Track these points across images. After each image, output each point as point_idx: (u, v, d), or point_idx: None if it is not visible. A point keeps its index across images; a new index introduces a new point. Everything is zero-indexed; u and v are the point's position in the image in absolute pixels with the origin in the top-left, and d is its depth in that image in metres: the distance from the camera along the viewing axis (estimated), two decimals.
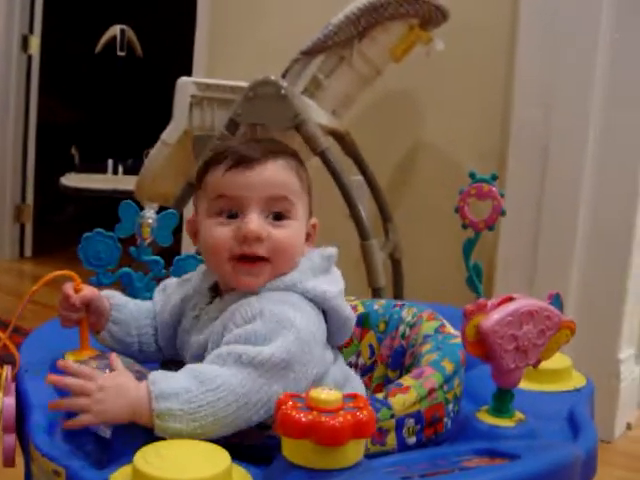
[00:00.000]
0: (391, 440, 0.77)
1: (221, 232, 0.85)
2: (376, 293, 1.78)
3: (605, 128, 1.82)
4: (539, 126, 1.90)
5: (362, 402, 0.67)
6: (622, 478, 1.67)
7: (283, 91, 1.75)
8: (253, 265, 0.85)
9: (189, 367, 0.78)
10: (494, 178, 1.18)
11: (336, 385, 0.84)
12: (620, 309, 1.84)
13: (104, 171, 3.39)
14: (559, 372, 0.99)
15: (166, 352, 0.96)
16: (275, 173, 0.87)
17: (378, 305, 1.00)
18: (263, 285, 0.85)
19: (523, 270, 1.90)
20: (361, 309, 1.01)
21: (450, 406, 0.82)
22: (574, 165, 1.85)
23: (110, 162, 3.40)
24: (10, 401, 0.81)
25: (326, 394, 0.66)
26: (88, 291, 0.93)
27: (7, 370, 0.84)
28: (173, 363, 0.93)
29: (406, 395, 0.78)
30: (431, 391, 0.80)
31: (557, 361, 0.99)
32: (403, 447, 0.77)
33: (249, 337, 0.78)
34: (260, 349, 0.77)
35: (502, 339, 0.76)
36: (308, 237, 0.91)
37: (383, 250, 1.96)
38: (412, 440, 0.78)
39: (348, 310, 0.89)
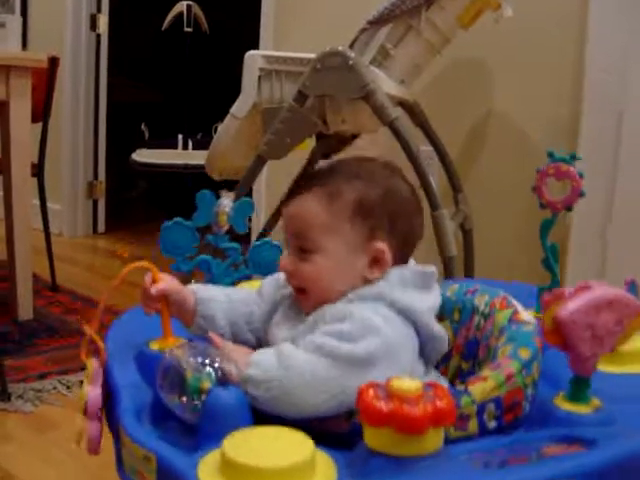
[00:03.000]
0: (473, 425, 0.77)
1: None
2: (447, 262, 1.78)
3: None
4: (613, 91, 1.85)
5: (442, 391, 0.67)
6: None
7: (351, 62, 1.74)
8: (297, 294, 0.92)
9: (279, 346, 0.83)
10: (573, 158, 1.15)
11: None
12: None
13: (174, 146, 3.43)
14: (638, 354, 0.97)
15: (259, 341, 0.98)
16: (297, 208, 0.90)
17: (450, 292, 0.99)
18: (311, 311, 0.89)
19: (595, 251, 1.86)
20: None
21: (529, 390, 0.82)
22: None
23: (180, 137, 3.44)
24: (96, 391, 0.84)
25: (407, 383, 0.67)
26: (166, 283, 0.95)
27: (94, 362, 0.87)
28: None
29: (485, 383, 0.79)
30: (509, 376, 0.80)
31: (636, 342, 0.97)
32: (484, 432, 0.77)
33: (335, 333, 0.80)
34: (341, 344, 0.79)
35: (579, 328, 0.75)
36: (376, 262, 0.89)
37: (454, 220, 1.95)
38: (493, 424, 0.78)
39: (437, 328, 0.89)
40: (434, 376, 0.93)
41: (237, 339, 0.96)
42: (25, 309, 2.31)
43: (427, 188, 1.78)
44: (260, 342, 0.97)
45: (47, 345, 2.13)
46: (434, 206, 1.79)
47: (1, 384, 1.73)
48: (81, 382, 0.88)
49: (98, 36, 3.33)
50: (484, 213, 2.19)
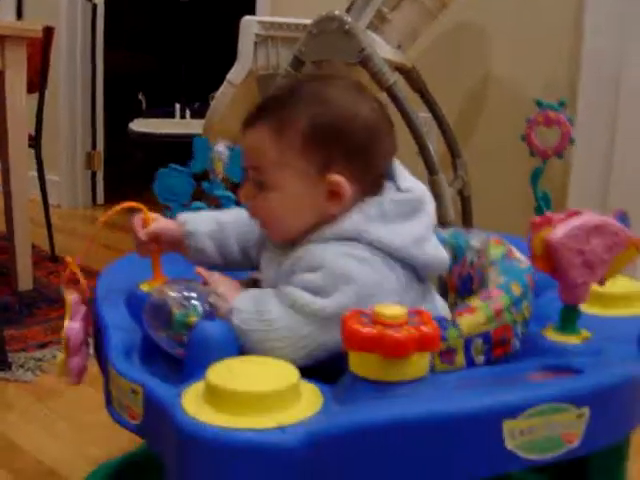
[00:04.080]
0: (460, 359, 0.78)
1: None
2: (445, 228, 1.77)
3: None
4: (611, 54, 1.84)
5: (427, 317, 0.68)
6: None
7: (347, 26, 1.73)
8: (260, 226, 0.91)
9: (258, 291, 0.83)
10: (561, 104, 1.15)
11: None
12: None
13: (171, 115, 3.42)
14: (630, 297, 0.97)
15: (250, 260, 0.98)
16: (249, 141, 0.87)
17: (446, 232, 0.99)
18: (278, 242, 0.89)
19: (595, 198, 1.86)
20: None
21: (518, 328, 0.82)
22: None
23: (177, 106, 3.43)
24: (75, 325, 0.85)
25: (391, 309, 0.67)
26: (157, 224, 0.95)
27: (73, 295, 0.87)
28: None
29: (474, 316, 0.79)
30: (498, 312, 0.80)
31: (627, 286, 0.97)
32: (471, 365, 0.78)
33: (308, 286, 0.80)
34: (314, 300, 0.78)
35: (569, 252, 0.75)
36: (333, 196, 0.85)
37: (452, 186, 1.95)
38: (480, 359, 0.79)
39: (429, 255, 0.85)
40: (432, 298, 0.91)
41: (228, 263, 0.97)
42: (25, 280, 2.31)
43: (425, 153, 1.77)
44: (251, 260, 0.97)
45: (47, 315, 2.13)
46: (432, 171, 1.78)
47: (2, 354, 1.73)
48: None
49: (94, 6, 3.31)
50: (483, 179, 2.18)
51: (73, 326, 0.85)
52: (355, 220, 0.83)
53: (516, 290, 0.83)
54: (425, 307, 0.85)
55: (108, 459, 1.15)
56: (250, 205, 0.89)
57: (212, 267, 0.93)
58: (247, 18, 1.93)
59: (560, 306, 0.90)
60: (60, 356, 0.85)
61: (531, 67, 2.10)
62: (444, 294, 0.97)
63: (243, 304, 0.81)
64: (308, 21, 1.79)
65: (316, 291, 0.79)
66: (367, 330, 0.65)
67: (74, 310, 0.86)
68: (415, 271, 0.86)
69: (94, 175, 3.46)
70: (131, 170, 3.69)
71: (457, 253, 0.97)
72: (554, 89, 2.01)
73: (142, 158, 3.72)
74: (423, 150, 1.77)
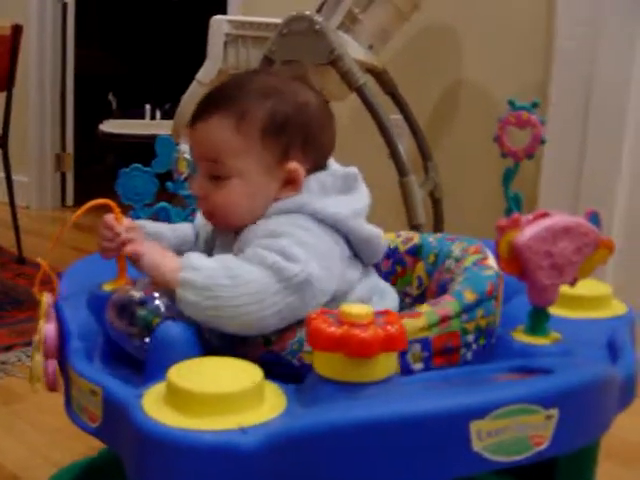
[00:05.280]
0: None
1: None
2: (415, 230, 1.77)
3: None
4: (582, 55, 1.85)
5: (393, 317, 0.66)
6: None
7: (318, 26, 1.72)
8: (206, 217, 0.91)
9: (220, 256, 0.81)
10: (534, 105, 1.16)
11: (360, 302, 0.84)
12: None
13: (142, 117, 3.40)
14: (598, 299, 0.96)
15: None
16: (205, 133, 0.86)
17: (433, 238, 0.99)
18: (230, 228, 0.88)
19: (566, 200, 1.86)
20: (416, 240, 1.00)
21: (470, 337, 0.79)
22: (619, 94, 1.79)
23: (147, 107, 3.41)
24: (51, 327, 0.82)
25: (357, 309, 0.66)
26: (128, 222, 0.94)
27: (48, 297, 0.85)
28: None
29: (414, 320, 0.76)
30: (444, 319, 0.77)
31: (596, 288, 0.97)
32: (408, 372, 0.75)
33: (276, 249, 0.79)
34: (284, 261, 0.77)
35: (536, 255, 0.74)
36: (289, 183, 0.87)
37: (423, 188, 1.94)
38: (418, 366, 0.76)
39: (367, 230, 0.87)
40: (374, 279, 0.92)
41: None
42: None
43: (395, 154, 1.77)
44: None
45: (13, 317, 2.09)
46: (402, 173, 1.78)
47: None
48: None
49: (64, 5, 3.28)
50: (454, 182, 2.18)
51: (50, 327, 0.82)
52: (297, 196, 0.85)
53: (469, 297, 0.80)
54: (365, 286, 0.88)
55: (71, 463, 1.13)
56: (203, 197, 0.88)
57: None
58: (217, 17, 1.92)
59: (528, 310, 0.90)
60: (36, 359, 0.82)
61: (502, 68, 2.10)
62: (422, 297, 0.96)
63: (203, 262, 0.78)
64: (279, 21, 1.78)
65: (281, 253, 0.78)
66: (332, 329, 0.63)
67: (49, 312, 0.83)
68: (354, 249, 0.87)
69: (63, 176, 3.42)
70: (101, 171, 3.65)
71: (438, 258, 0.96)
72: (526, 90, 2.01)
73: (112, 160, 3.69)
74: (393, 152, 1.76)
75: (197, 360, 0.71)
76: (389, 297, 0.93)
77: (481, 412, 0.62)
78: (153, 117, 3.42)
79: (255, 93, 0.86)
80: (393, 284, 1.00)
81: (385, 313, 0.68)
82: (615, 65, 1.81)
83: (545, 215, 0.76)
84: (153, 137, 3.24)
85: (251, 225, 0.85)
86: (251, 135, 0.85)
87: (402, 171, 1.77)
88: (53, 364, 0.82)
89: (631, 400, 0.80)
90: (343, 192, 0.87)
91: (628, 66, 1.78)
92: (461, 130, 2.22)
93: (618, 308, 0.98)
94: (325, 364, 0.65)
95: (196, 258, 0.79)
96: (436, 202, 2.17)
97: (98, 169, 3.75)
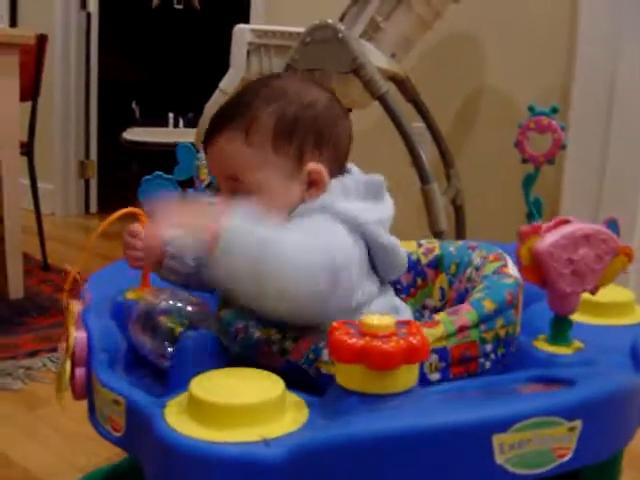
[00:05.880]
0: None
1: None
2: (437, 237, 1.76)
3: None
4: (605, 61, 1.84)
5: (415, 329, 0.66)
6: None
7: (340, 35, 1.72)
8: None
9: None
10: (554, 111, 1.15)
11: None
12: None
13: (165, 125, 3.41)
14: (621, 306, 0.96)
15: None
16: (218, 149, 0.86)
17: (453, 247, 0.98)
18: None
19: (588, 206, 1.85)
20: (437, 251, 0.99)
21: (488, 346, 0.79)
22: None
23: (171, 116, 3.43)
24: (82, 335, 0.82)
25: (378, 320, 0.66)
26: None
27: (77, 305, 0.85)
28: None
29: (432, 330, 0.75)
30: (462, 328, 0.77)
31: (619, 294, 0.97)
32: (425, 383, 0.74)
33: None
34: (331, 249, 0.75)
35: (557, 262, 0.74)
36: (313, 184, 0.86)
37: (445, 195, 1.94)
38: (435, 376, 0.75)
39: (387, 240, 0.85)
40: (390, 297, 0.90)
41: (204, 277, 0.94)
42: (15, 288, 2.30)
43: (418, 162, 1.76)
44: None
45: (38, 323, 2.11)
46: (425, 180, 1.77)
47: None
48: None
49: (88, 14, 3.31)
50: (477, 188, 2.17)
51: (80, 335, 0.81)
52: (320, 197, 0.84)
53: (489, 306, 0.79)
54: (382, 302, 0.87)
55: (96, 469, 1.14)
56: None
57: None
58: (240, 26, 1.93)
59: (549, 316, 0.90)
60: (64, 367, 0.81)
61: (523, 74, 2.09)
62: (443, 308, 0.95)
63: (244, 215, 0.74)
64: (301, 29, 1.78)
65: (320, 242, 0.75)
66: (353, 341, 0.63)
67: (78, 320, 0.83)
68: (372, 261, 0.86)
69: (87, 183, 3.45)
70: (124, 179, 3.67)
71: (459, 267, 0.95)
72: (547, 97, 2.00)
73: (136, 167, 3.71)
74: (416, 159, 1.76)
75: (219, 371, 0.71)
76: (404, 315, 0.91)
77: (503, 425, 0.62)
78: (176, 125, 3.43)
79: (261, 99, 0.85)
80: (413, 296, 1.00)
81: (407, 323, 0.67)
82: (637, 70, 1.79)
83: (565, 222, 0.75)
84: (176, 145, 3.27)
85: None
86: (262, 145, 0.84)
87: (424, 179, 1.76)
88: (82, 372, 0.81)
89: None
90: (366, 198, 0.86)
91: None
92: (483, 137, 2.21)
93: None
94: (346, 375, 0.65)
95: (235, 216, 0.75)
96: (458, 209, 2.16)
97: (121, 176, 3.77)
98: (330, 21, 1.75)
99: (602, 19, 1.85)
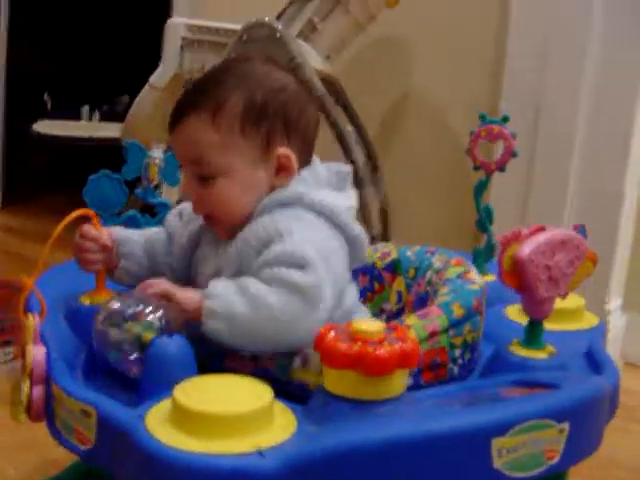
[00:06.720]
0: None
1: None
2: (370, 242, 1.76)
3: (600, 80, 1.81)
4: (532, 76, 1.88)
5: (404, 333, 0.65)
6: None
7: (278, 34, 1.70)
8: (206, 221, 0.87)
9: (239, 282, 0.76)
10: (505, 120, 1.17)
11: (351, 306, 0.84)
12: (610, 258, 1.85)
13: (78, 118, 3.28)
14: (575, 311, 0.99)
15: (182, 279, 0.91)
16: (183, 133, 0.84)
17: (411, 252, 0.98)
18: (227, 236, 0.84)
19: (514, 216, 1.88)
20: (394, 255, 0.99)
21: (456, 352, 0.80)
22: (567, 117, 1.83)
23: (85, 108, 3.30)
24: (41, 350, 0.75)
25: (368, 325, 0.64)
26: (106, 232, 0.89)
27: (34, 319, 0.77)
28: None
29: None
30: (432, 334, 0.78)
31: (572, 301, 0.99)
32: None
33: (280, 259, 0.76)
34: (302, 275, 0.74)
35: (537, 268, 0.75)
36: (281, 169, 0.84)
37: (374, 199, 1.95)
38: (409, 382, 0.75)
39: (358, 229, 0.84)
40: (354, 286, 0.90)
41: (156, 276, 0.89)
42: None
43: (353, 167, 1.75)
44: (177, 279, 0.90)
45: None
46: (359, 184, 1.77)
47: None
48: None
49: None
50: (402, 193, 2.19)
51: (38, 351, 0.75)
52: (293, 186, 0.83)
53: (457, 311, 0.80)
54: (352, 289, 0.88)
55: None
56: (195, 199, 0.85)
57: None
58: (174, 20, 1.88)
59: (506, 322, 0.91)
60: (23, 388, 0.73)
61: (453, 85, 2.12)
62: (400, 312, 0.95)
63: (221, 289, 0.75)
64: (238, 26, 1.75)
65: (290, 263, 0.75)
66: (346, 347, 0.62)
67: (36, 334, 0.76)
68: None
69: None
70: (31, 173, 3.50)
71: (418, 272, 0.95)
72: (474, 106, 2.04)
73: (44, 161, 3.52)
74: (351, 163, 1.75)
75: (202, 378, 0.68)
76: (362, 310, 0.92)
77: (502, 429, 0.62)
78: (91, 118, 3.30)
79: (227, 84, 0.84)
80: (370, 301, 1.00)
81: (395, 328, 0.66)
82: (564, 81, 1.84)
83: (542, 229, 0.77)
84: (91, 139, 3.13)
85: (246, 229, 0.82)
86: (230, 128, 0.83)
87: (359, 183, 1.77)
88: (40, 391, 0.74)
89: (615, 410, 0.81)
90: (335, 188, 0.86)
91: (576, 89, 1.82)
92: (410, 142, 2.23)
93: (591, 319, 1.00)
94: (337, 381, 0.64)
95: (215, 285, 0.76)
96: (383, 213, 2.17)
97: (28, 169, 3.58)
98: (268, 19, 1.73)
99: (530, 32, 1.89)
